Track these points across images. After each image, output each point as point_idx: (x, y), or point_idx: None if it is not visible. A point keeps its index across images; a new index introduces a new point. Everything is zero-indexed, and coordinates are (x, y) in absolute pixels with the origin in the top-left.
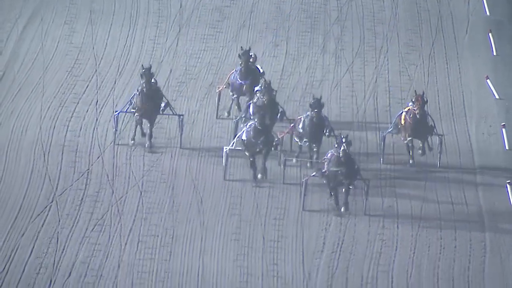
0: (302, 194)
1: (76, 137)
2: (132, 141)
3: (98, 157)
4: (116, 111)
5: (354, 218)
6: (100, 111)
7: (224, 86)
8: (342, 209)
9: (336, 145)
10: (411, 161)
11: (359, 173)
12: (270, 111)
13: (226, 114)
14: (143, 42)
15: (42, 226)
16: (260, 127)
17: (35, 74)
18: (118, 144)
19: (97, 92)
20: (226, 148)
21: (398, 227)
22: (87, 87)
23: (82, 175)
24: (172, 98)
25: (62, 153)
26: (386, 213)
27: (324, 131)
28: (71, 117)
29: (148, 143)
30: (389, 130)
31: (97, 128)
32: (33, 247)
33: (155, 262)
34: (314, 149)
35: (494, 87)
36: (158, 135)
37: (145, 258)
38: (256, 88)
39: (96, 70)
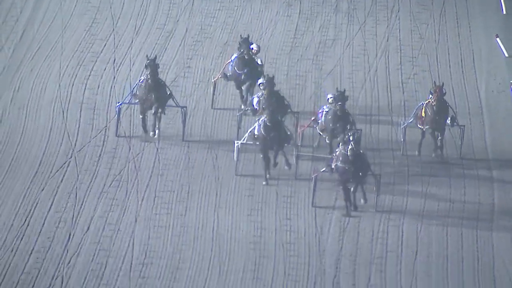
0: (312, 189)
1: (94, 95)
2: (152, 133)
3: (115, 115)
4: (117, 103)
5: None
6: (118, 70)
7: (220, 76)
8: (351, 209)
9: (344, 143)
10: (435, 154)
11: (369, 169)
12: (277, 105)
13: (237, 113)
14: (160, 1)
15: (61, 181)
16: (269, 124)
17: (54, 34)
18: (119, 136)
19: (114, 51)
20: (237, 143)
21: (408, 183)
22: (104, 46)
23: (100, 132)
24: (188, 57)
25: (81, 111)
26: (397, 172)
27: (348, 126)
28: (89, 75)
29: (157, 132)
30: (410, 121)
31: (114, 86)
32: (53, 201)
33: (171, 217)
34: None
35: (503, 45)
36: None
37: (161, 212)
38: (260, 81)
39: (113, 29)
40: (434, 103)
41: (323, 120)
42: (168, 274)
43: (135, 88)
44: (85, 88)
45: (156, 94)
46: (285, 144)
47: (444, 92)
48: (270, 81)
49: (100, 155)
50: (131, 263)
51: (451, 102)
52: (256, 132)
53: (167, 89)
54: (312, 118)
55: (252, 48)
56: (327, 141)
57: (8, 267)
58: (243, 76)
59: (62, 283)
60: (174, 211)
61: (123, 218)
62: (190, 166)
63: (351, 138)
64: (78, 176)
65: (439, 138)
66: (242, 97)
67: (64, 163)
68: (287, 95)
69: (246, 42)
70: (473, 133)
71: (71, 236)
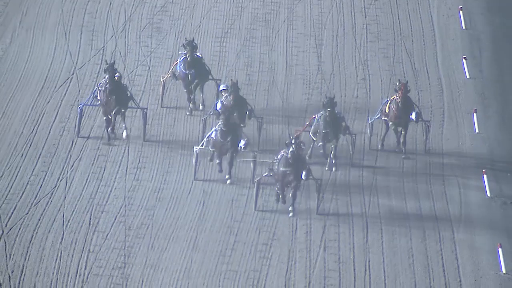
0: (255, 194)
1: (93, 18)
2: (112, 135)
3: (112, 36)
4: (80, 104)
5: None
6: None
7: (169, 75)
8: (290, 209)
9: (286, 146)
10: (402, 152)
11: (310, 173)
12: (238, 110)
13: (187, 113)
14: None
15: (65, 95)
16: (224, 128)
17: None
18: (81, 137)
19: None
20: (196, 148)
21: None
22: None
23: (98, 51)
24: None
25: (81, 33)
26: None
27: (341, 130)
28: (88, 1)
29: (125, 132)
30: (376, 117)
31: (110, 11)
32: (57, 112)
33: (161, 128)
34: (332, 148)
35: None
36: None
37: (154, 124)
38: (221, 87)
39: None
40: (399, 100)
41: (316, 124)
42: (159, 177)
43: (96, 91)
44: (85, 13)
45: (116, 97)
46: (241, 149)
47: (408, 89)
48: (235, 86)
49: (98, 72)
50: (127, 167)
51: (406, 26)
52: (213, 137)
53: (127, 91)
54: (307, 123)
55: (195, 45)
56: (318, 145)
57: (18, 170)
58: (189, 77)
59: (66, 184)
60: (163, 123)
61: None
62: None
63: (292, 142)
64: (79, 90)
65: (402, 133)
66: (189, 97)
67: (67, 79)
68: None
69: (190, 44)
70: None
71: (74, 143)
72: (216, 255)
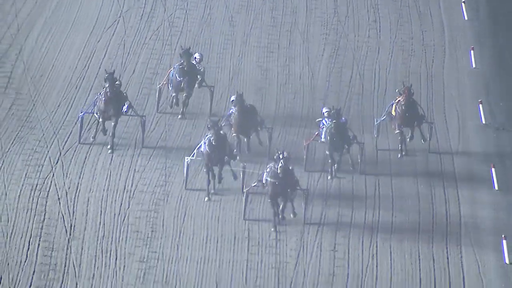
0: (244, 204)
1: None
2: (93, 139)
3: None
4: (81, 112)
5: None
6: None
7: (164, 82)
8: (278, 220)
9: (274, 160)
10: (399, 155)
11: (297, 184)
12: (246, 121)
13: (169, 107)
14: None
15: (113, 35)
16: (214, 143)
17: None
18: (83, 143)
19: None
20: (187, 159)
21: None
22: None
23: None
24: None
25: None
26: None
27: (349, 140)
28: None
29: (110, 143)
30: (382, 118)
31: None
32: (106, 50)
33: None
34: (337, 158)
35: None
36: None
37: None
38: (232, 98)
39: None
40: (403, 102)
41: (323, 136)
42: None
43: (96, 100)
44: None
45: (115, 106)
46: (231, 161)
47: (412, 92)
48: (240, 98)
49: (142, 15)
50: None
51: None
52: (202, 149)
53: (126, 99)
54: (316, 133)
55: (196, 58)
56: (327, 152)
57: (73, 101)
58: (182, 84)
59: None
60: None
61: (160, 64)
62: (211, 24)
63: (281, 156)
64: (125, 31)
65: (409, 134)
66: (176, 102)
67: (114, 21)
68: None
69: (186, 53)
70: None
71: (120, 77)
72: None
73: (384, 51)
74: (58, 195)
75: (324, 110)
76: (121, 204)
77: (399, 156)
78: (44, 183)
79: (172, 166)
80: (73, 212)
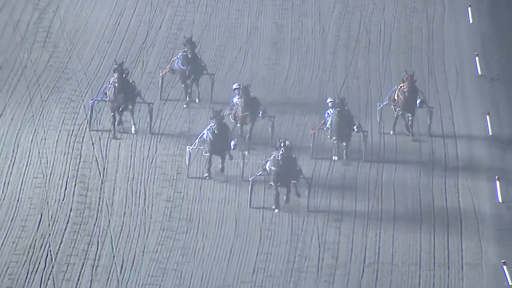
0: (249, 192)
1: None
2: (120, 128)
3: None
4: (91, 99)
5: None
6: None
7: (167, 71)
8: (274, 207)
9: (276, 149)
10: (411, 136)
11: (301, 173)
12: (250, 111)
13: (184, 105)
14: None
15: None
16: (216, 131)
17: None
18: (93, 130)
19: None
20: (189, 148)
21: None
22: None
23: None
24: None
25: None
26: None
27: (354, 128)
28: None
29: (133, 128)
30: (385, 103)
31: None
32: (135, 8)
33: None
34: (344, 146)
35: None
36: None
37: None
38: (234, 86)
39: None
40: (406, 89)
41: (328, 123)
42: None
43: (106, 88)
44: None
45: (124, 95)
46: (232, 149)
47: (414, 79)
48: (246, 90)
49: None
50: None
51: None
52: (205, 137)
53: (135, 88)
54: (322, 122)
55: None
56: (333, 142)
57: (106, 54)
58: (187, 72)
59: (142, 66)
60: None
61: (184, 20)
62: None
63: (282, 145)
64: None
65: (410, 118)
66: (186, 91)
67: None
68: None
69: (189, 42)
70: None
71: (148, 33)
72: None
73: (389, 8)
74: (92, 140)
75: (329, 100)
76: (149, 148)
77: (411, 137)
78: (79, 129)
79: (195, 114)
80: (106, 156)
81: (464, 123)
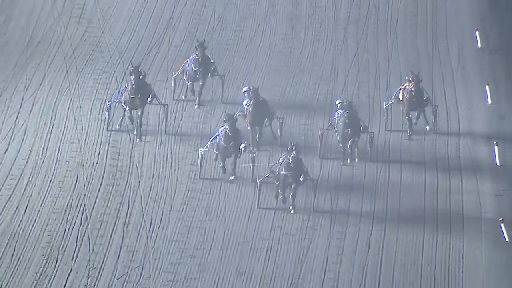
0: (257, 193)
1: None
2: (118, 127)
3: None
4: (109, 101)
5: None
6: None
7: (179, 72)
8: (290, 208)
9: (287, 152)
10: (408, 134)
11: (308, 175)
12: (259, 113)
13: (183, 97)
14: None
15: None
16: (230, 134)
17: None
18: (110, 130)
19: None
20: (201, 150)
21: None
22: None
23: None
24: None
25: None
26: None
27: (360, 129)
28: None
29: (137, 132)
30: (391, 102)
31: None
32: None
33: None
34: (351, 146)
35: None
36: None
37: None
38: (244, 89)
39: None
40: (412, 89)
41: (336, 124)
42: None
43: (123, 90)
44: None
45: (141, 97)
46: (242, 151)
47: (420, 79)
48: (255, 92)
49: None
50: None
51: None
52: (217, 141)
53: (150, 90)
54: (329, 123)
55: (206, 46)
56: (340, 144)
57: (136, 28)
58: (197, 74)
59: (169, 40)
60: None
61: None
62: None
63: (293, 148)
64: None
65: (416, 117)
66: (193, 91)
67: None
68: None
69: (201, 46)
70: None
71: (175, 8)
72: None
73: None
74: (123, 108)
75: (338, 102)
76: (175, 116)
77: (408, 134)
78: (111, 98)
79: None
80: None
81: (465, 93)
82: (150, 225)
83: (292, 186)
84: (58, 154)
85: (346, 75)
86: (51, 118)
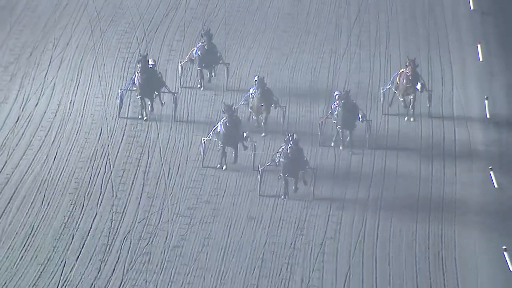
0: (259, 181)
1: None
2: (140, 117)
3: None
4: (120, 89)
5: None
6: None
7: (186, 60)
8: (294, 189)
9: (285, 142)
10: (405, 118)
11: (307, 164)
12: (265, 102)
13: (199, 86)
14: None
15: None
16: (228, 124)
17: None
18: (122, 117)
19: None
20: (203, 139)
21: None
22: None
23: None
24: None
25: None
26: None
27: (359, 118)
28: None
29: (148, 115)
30: (388, 86)
31: None
32: None
33: None
34: (348, 134)
35: None
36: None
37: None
38: (255, 78)
39: None
40: (409, 73)
41: (335, 113)
42: None
43: (134, 78)
44: None
45: (150, 84)
46: (244, 142)
47: (416, 64)
48: (261, 82)
49: None
50: None
51: None
52: (218, 130)
53: (160, 78)
54: (330, 111)
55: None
56: (338, 130)
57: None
58: (203, 61)
59: (185, 4)
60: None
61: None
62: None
63: (291, 138)
64: None
65: (411, 101)
66: (202, 76)
67: None
68: None
69: (207, 34)
70: None
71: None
72: None
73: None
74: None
75: (336, 93)
76: (191, 74)
77: (405, 119)
78: (133, 56)
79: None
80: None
81: (459, 51)
82: (168, 173)
83: (291, 174)
84: (84, 108)
85: (348, 35)
86: (77, 75)
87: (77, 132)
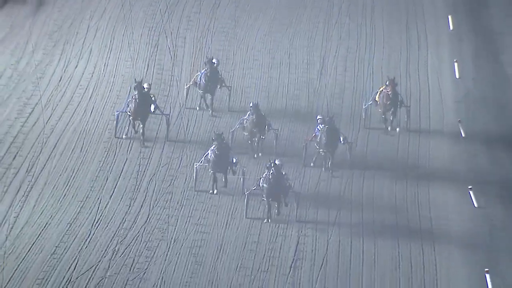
0: (245, 204)
1: None
2: (125, 136)
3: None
4: (116, 111)
5: None
6: None
7: (191, 83)
8: (276, 214)
9: (267, 168)
10: (389, 128)
11: (290, 187)
12: (258, 127)
13: (197, 108)
14: None
15: None
16: (217, 151)
17: None
18: (117, 137)
19: None
20: (196, 165)
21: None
22: None
23: None
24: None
25: None
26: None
27: (340, 140)
28: None
29: (141, 138)
30: (369, 103)
31: None
32: None
33: None
34: (329, 157)
35: None
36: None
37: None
38: (251, 104)
39: None
40: (389, 92)
41: (318, 137)
42: None
43: (128, 101)
44: None
45: (143, 109)
46: (233, 168)
47: (396, 83)
48: (256, 108)
49: None
50: None
51: None
52: (209, 157)
53: (153, 102)
54: (313, 135)
55: (214, 62)
56: (321, 153)
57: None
58: (208, 87)
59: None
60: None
61: None
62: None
63: (272, 165)
64: None
65: (391, 118)
66: (205, 100)
67: None
68: None
69: (209, 62)
70: None
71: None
72: None
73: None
74: (165, 33)
75: (319, 117)
76: (206, 40)
77: (389, 129)
78: (157, 26)
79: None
80: (175, 45)
81: (434, 20)
82: (187, 124)
83: (273, 198)
84: (115, 69)
85: (339, 8)
86: (110, 42)
87: (110, 90)
